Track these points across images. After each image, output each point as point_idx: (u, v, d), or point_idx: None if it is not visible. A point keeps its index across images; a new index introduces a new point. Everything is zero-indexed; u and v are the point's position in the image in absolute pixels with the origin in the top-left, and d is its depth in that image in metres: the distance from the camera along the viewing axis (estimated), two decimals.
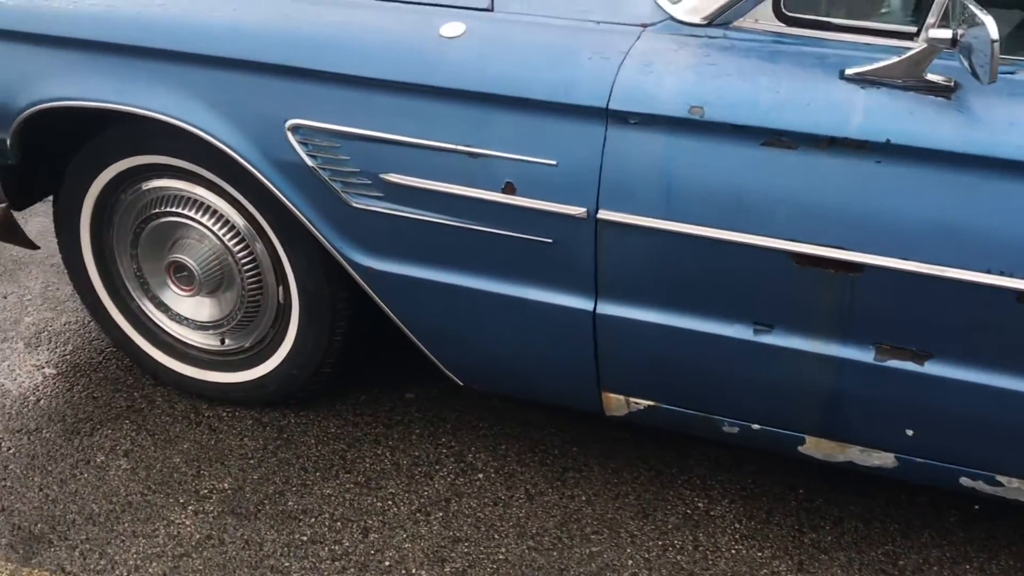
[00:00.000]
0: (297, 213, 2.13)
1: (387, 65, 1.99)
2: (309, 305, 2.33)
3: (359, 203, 2.08)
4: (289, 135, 2.06)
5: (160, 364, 2.59)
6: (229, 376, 2.53)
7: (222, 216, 2.34)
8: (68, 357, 2.74)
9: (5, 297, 3.00)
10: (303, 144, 2.06)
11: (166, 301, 2.52)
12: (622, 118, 1.85)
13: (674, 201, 1.86)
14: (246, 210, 2.29)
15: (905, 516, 2.28)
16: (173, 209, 2.37)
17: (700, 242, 1.87)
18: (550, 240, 1.97)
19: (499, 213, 1.98)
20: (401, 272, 2.13)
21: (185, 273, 2.43)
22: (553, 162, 1.91)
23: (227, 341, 2.52)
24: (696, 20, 1.91)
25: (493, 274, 2.07)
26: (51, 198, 2.51)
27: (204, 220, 2.35)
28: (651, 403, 2.14)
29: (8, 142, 2.30)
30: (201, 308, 2.49)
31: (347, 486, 2.33)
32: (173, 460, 2.40)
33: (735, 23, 1.90)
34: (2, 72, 2.26)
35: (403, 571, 2.12)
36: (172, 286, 2.47)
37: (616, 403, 2.17)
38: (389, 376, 2.69)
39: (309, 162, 2.07)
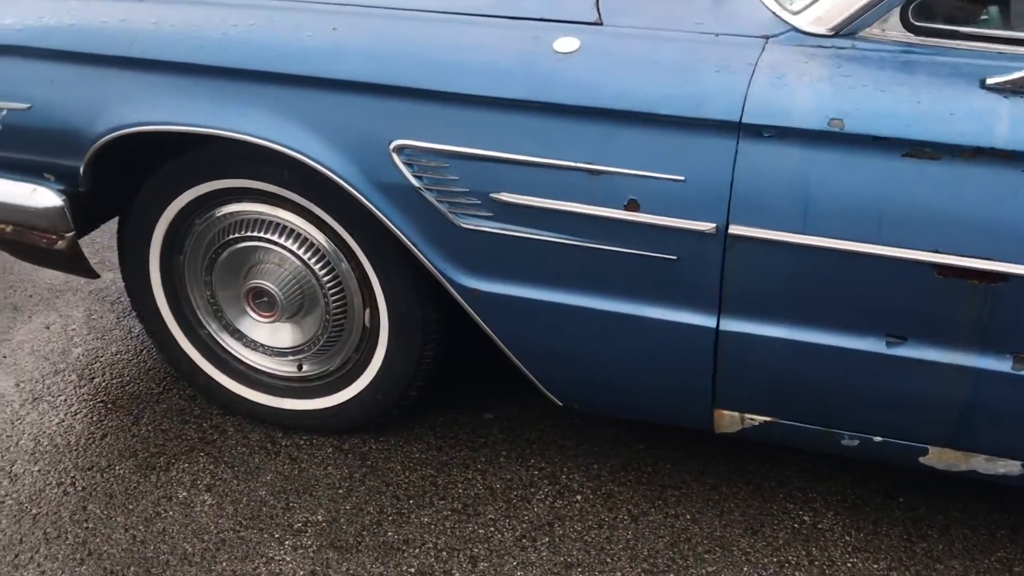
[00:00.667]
0: (399, 235, 2.06)
1: (501, 82, 1.93)
2: (400, 328, 2.26)
3: (467, 223, 2.01)
4: (394, 156, 1.99)
5: (231, 393, 2.50)
6: (307, 403, 2.45)
7: (307, 239, 2.26)
8: (127, 388, 2.64)
9: (48, 327, 2.88)
10: (409, 165, 1.99)
11: (241, 328, 2.43)
12: (755, 132, 1.81)
13: (811, 214, 1.82)
14: (334, 232, 2.22)
15: (1010, 521, 2.27)
16: (252, 233, 2.29)
17: (837, 255, 1.83)
18: (674, 257, 1.93)
19: (621, 231, 1.93)
20: (508, 293, 2.07)
21: (265, 299, 2.35)
22: (680, 178, 1.86)
23: (305, 367, 2.44)
24: (822, 31, 1.88)
25: (610, 293, 2.02)
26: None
27: (287, 244, 2.27)
28: (767, 419, 2.10)
29: (82, 169, 2.20)
30: (279, 334, 2.41)
31: (444, 513, 2.27)
32: (259, 493, 2.31)
33: (861, 33, 1.87)
34: (79, 97, 2.15)
35: None
36: (251, 312, 2.38)
37: (729, 420, 2.13)
38: (464, 397, 2.62)
39: (415, 183, 2.00)
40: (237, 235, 2.30)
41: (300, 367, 2.44)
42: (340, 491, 2.32)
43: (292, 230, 2.27)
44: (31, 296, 3.01)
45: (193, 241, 2.36)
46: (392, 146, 1.99)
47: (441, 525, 2.24)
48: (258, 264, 2.33)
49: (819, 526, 2.26)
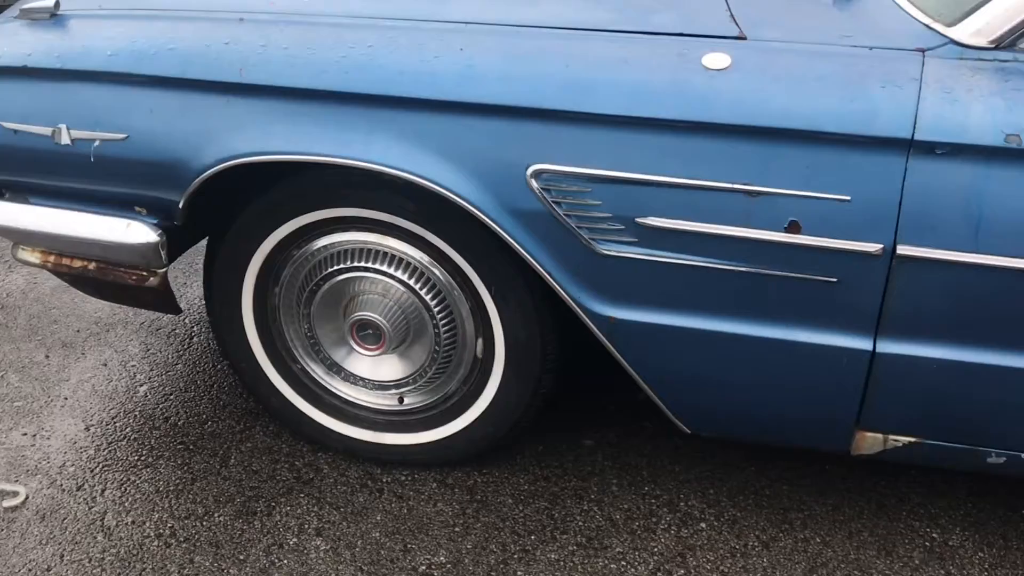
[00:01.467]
0: (533, 263, 1.96)
1: (651, 102, 1.85)
2: (517, 357, 2.17)
3: (607, 249, 1.93)
4: (531, 182, 1.90)
5: (326, 429, 2.38)
6: (409, 437, 2.35)
7: (416, 268, 2.16)
8: (206, 428, 2.50)
9: (106, 364, 2.73)
10: (547, 190, 1.90)
11: (340, 361, 2.32)
12: (927, 149, 1.76)
13: (983, 232, 1.77)
14: (448, 260, 2.12)
15: None
16: (357, 263, 2.18)
17: (1007, 273, 1.79)
18: (834, 279, 1.87)
19: (779, 254, 1.87)
20: (646, 320, 1.99)
21: (370, 331, 2.23)
22: (846, 197, 1.80)
23: (407, 400, 2.33)
24: (982, 43, 1.83)
25: (758, 318, 1.95)
26: None
27: (396, 273, 2.16)
28: (912, 439, 2.05)
29: (182, 202, 2.06)
30: (381, 367, 2.30)
31: (570, 548, 2.18)
32: (372, 535, 2.20)
33: (1021, 45, 1.83)
34: (182, 126, 2.02)
35: None
36: (355, 346, 2.27)
37: (871, 441, 2.08)
38: (555, 423, 2.53)
39: (553, 209, 1.91)
40: (340, 265, 2.19)
41: (402, 400, 2.33)
42: (456, 529, 2.22)
43: (401, 259, 2.16)
44: (79, 331, 2.85)
45: (291, 272, 2.23)
46: (529, 171, 1.90)
47: (570, 561, 2.15)
48: (360, 295, 2.22)
49: (949, 543, 2.22)
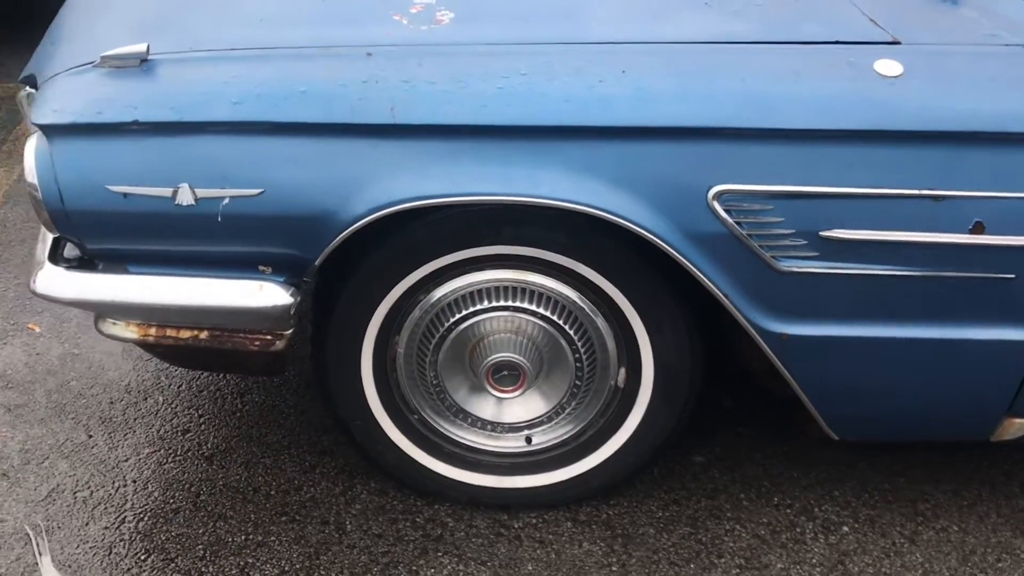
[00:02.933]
0: (711, 286, 1.91)
1: (833, 114, 1.83)
2: (666, 383, 2.11)
3: (787, 266, 1.90)
4: (713, 204, 1.84)
5: (446, 479, 2.25)
6: (539, 478, 2.24)
7: (558, 302, 2.06)
8: (305, 495, 2.31)
9: (162, 437, 2.47)
10: (729, 211, 1.85)
11: (467, 407, 2.19)
12: None
13: None
14: (594, 291, 2.03)
15: None
16: (494, 303, 2.06)
17: None
18: (1012, 275, 1.90)
19: (961, 255, 1.89)
20: (818, 333, 1.98)
21: (506, 372, 2.11)
22: None
23: (535, 439, 2.22)
24: None
25: (932, 319, 1.97)
26: None
27: (539, 309, 2.06)
28: None
29: (321, 258, 1.90)
30: (512, 408, 2.19)
31: (733, 572, 2.14)
32: None
33: None
34: (327, 175, 1.85)
35: None
36: (491, 389, 2.14)
37: (1017, 427, 2.13)
38: None
39: (735, 230, 1.86)
40: (476, 307, 2.06)
41: (529, 440, 2.23)
42: (614, 568, 2.15)
43: (541, 294, 2.05)
44: (112, 403, 2.57)
45: (417, 318, 2.09)
46: (711, 193, 1.84)
47: None
48: (490, 336, 2.09)
49: None
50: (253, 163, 1.85)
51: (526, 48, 1.92)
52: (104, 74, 1.89)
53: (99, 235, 1.91)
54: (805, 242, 1.88)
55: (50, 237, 2.03)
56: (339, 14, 2.06)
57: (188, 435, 2.46)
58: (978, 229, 1.86)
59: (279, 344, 2.00)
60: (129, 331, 2.01)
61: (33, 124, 1.87)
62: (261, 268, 1.94)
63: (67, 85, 1.90)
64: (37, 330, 2.75)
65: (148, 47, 1.88)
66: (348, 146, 1.85)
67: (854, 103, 1.83)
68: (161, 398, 2.58)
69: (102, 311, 2.01)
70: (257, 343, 1.99)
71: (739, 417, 2.53)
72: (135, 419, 2.51)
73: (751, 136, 1.83)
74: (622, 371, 2.13)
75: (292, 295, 1.94)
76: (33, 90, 2.04)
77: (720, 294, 1.92)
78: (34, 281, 1.97)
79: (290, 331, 1.99)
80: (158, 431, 2.47)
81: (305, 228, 1.88)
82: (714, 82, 1.86)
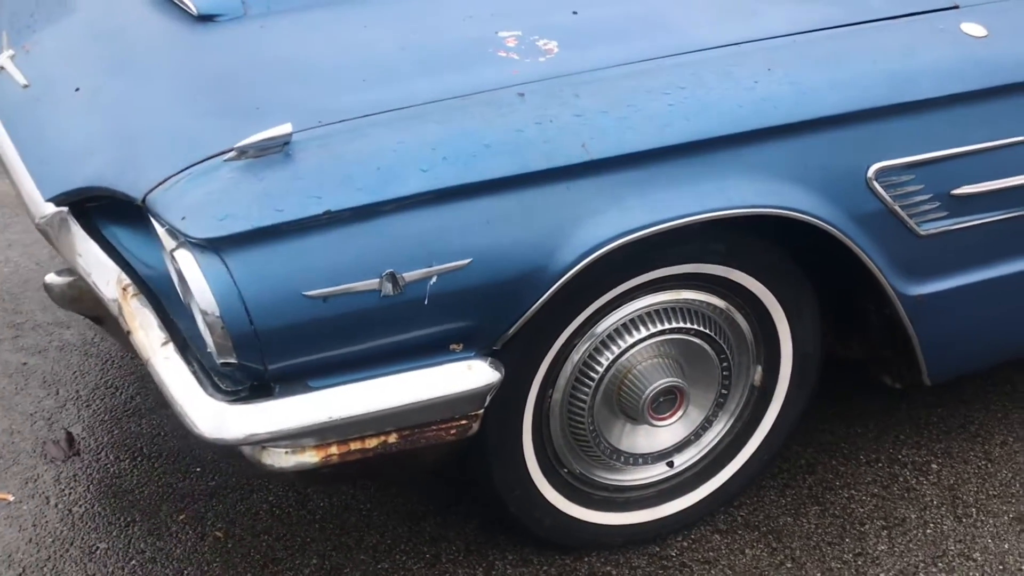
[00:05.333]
0: (870, 263, 1.96)
1: (956, 79, 1.95)
2: (802, 371, 2.15)
3: (926, 230, 2.00)
4: (872, 182, 1.91)
5: (602, 527, 2.14)
6: (686, 499, 2.20)
7: (704, 315, 2.03)
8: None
9: (276, 560, 2.14)
10: (885, 187, 1.93)
11: (620, 446, 2.09)
12: None
13: None
14: (741, 295, 2.03)
15: None
16: (651, 330, 1.99)
17: None
18: None
19: None
20: (945, 287, 2.08)
21: (662, 400, 2.05)
22: None
23: (677, 461, 2.17)
24: None
25: None
26: None
27: (692, 326, 2.02)
28: None
29: (527, 316, 1.75)
30: (659, 436, 2.12)
31: (883, 534, 2.23)
32: None
33: None
34: (529, 230, 1.70)
35: None
36: (652, 420, 2.05)
37: None
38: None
39: (889, 204, 1.94)
40: (631, 339, 1.98)
41: (671, 464, 2.17)
42: (788, 566, 2.16)
43: (689, 310, 2.01)
44: (182, 516, 2.18)
45: (572, 367, 1.97)
46: (870, 172, 1.90)
47: (913, 560, 2.20)
48: (638, 367, 2.01)
49: None
50: (455, 232, 1.66)
51: (658, 63, 1.87)
52: (246, 166, 1.61)
53: (289, 351, 1.62)
54: (939, 203, 1.98)
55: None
56: (434, 60, 1.89)
57: (282, 564, 2.14)
58: None
59: (474, 427, 1.81)
60: (308, 456, 1.72)
61: (189, 239, 1.56)
62: (452, 347, 1.75)
63: (208, 186, 1.60)
64: (11, 498, 2.28)
65: (291, 128, 1.62)
66: (544, 194, 1.71)
67: (965, 66, 1.96)
68: (231, 496, 2.25)
69: (284, 440, 1.71)
70: (453, 431, 1.79)
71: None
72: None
73: (894, 112, 1.90)
74: (759, 369, 2.13)
75: (497, 368, 1.76)
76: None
77: (875, 268, 1.97)
78: (198, 425, 1.63)
79: (481, 411, 1.80)
80: (279, 553, 2.15)
81: (512, 291, 1.71)
82: (853, 67, 1.92)
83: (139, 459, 2.38)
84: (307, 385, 1.68)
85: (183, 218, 1.57)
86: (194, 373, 1.69)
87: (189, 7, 2.04)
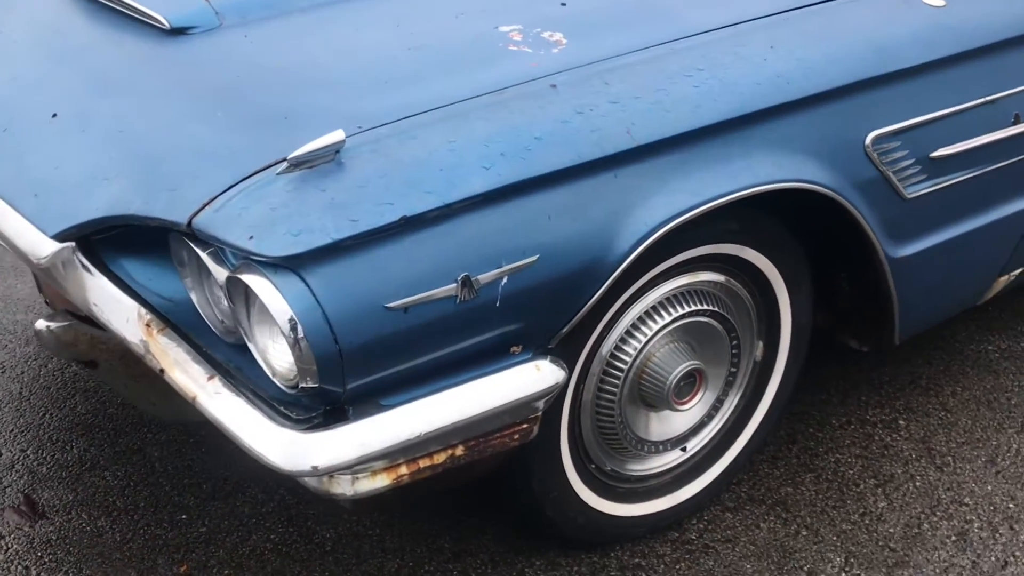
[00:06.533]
0: (868, 230, 2.03)
1: (932, 46, 2.05)
2: (798, 341, 2.21)
3: (911, 192, 2.09)
4: (869, 150, 1.98)
5: (629, 519, 2.14)
6: (700, 481, 2.22)
7: (714, 295, 2.06)
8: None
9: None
10: (880, 154, 2.01)
11: (643, 435, 2.08)
12: None
13: None
14: (748, 271, 2.07)
15: None
16: (673, 315, 1.99)
17: None
18: None
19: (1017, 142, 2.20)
20: (924, 246, 2.17)
21: (682, 385, 2.05)
22: None
23: (689, 444, 2.19)
24: None
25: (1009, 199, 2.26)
26: None
27: (707, 307, 2.04)
28: None
29: (584, 310, 1.73)
30: (676, 421, 2.12)
31: (905, 487, 2.32)
32: None
33: None
34: (583, 221, 1.67)
35: None
36: (675, 405, 2.06)
37: (1001, 284, 2.53)
38: None
39: (882, 170, 2.02)
40: (656, 326, 1.98)
41: (684, 448, 2.18)
42: (804, 534, 2.21)
43: (702, 292, 2.04)
44: (217, 558, 2.02)
45: (602, 358, 1.95)
46: (868, 140, 1.98)
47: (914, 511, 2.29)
48: (657, 354, 2.02)
49: None
50: (520, 229, 1.61)
51: (669, 48, 1.88)
52: (302, 177, 1.52)
53: (367, 369, 1.53)
54: (921, 167, 2.07)
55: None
56: (449, 59, 1.84)
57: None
58: (1017, 120, 2.18)
59: (535, 431, 1.76)
60: (379, 480, 1.63)
61: (260, 259, 1.45)
62: (512, 350, 1.70)
63: (268, 201, 1.50)
64: None
65: (344, 135, 1.53)
66: (595, 183, 1.69)
67: (934, 34, 2.06)
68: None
69: (365, 464, 1.61)
70: (516, 436, 1.74)
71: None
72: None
73: (882, 82, 1.98)
74: (760, 345, 2.17)
75: (561, 366, 1.73)
76: None
77: (872, 236, 2.05)
78: (273, 458, 1.52)
79: (540, 412, 1.76)
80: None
81: (575, 284, 1.68)
82: (844, 40, 1.98)
83: (115, 514, 2.20)
84: (379, 404, 1.59)
85: (251, 237, 1.46)
86: (252, 404, 1.58)
87: (160, 21, 1.91)
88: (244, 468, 2.16)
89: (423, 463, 1.67)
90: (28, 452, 2.36)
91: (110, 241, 1.72)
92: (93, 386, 2.55)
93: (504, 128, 1.65)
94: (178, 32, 1.92)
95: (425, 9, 2.01)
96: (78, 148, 1.73)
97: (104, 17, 2.01)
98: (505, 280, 1.59)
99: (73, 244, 1.66)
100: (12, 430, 2.42)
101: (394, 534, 2.17)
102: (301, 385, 1.50)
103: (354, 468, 1.59)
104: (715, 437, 2.20)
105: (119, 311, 1.66)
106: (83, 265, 1.67)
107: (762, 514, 2.24)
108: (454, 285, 1.54)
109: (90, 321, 1.82)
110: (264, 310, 1.49)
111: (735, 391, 2.18)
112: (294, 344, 1.45)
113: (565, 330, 1.73)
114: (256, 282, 1.46)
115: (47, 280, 1.78)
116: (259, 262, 1.47)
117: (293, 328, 1.44)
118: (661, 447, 2.12)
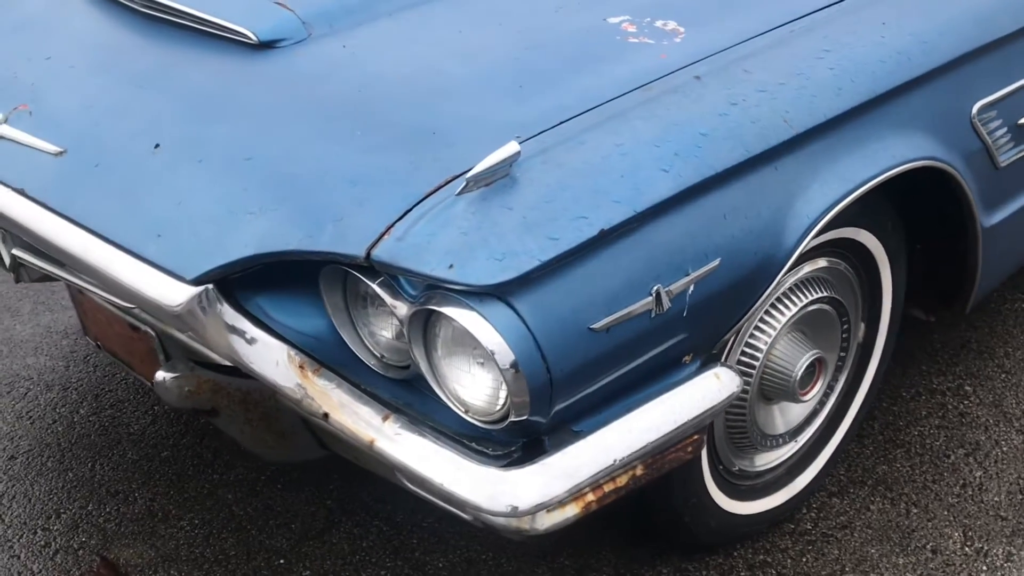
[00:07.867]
0: (973, 201, 2.02)
1: (1013, 15, 2.03)
2: (894, 320, 2.18)
3: (1004, 160, 2.08)
4: (975, 121, 1.97)
5: (754, 517, 2.09)
6: (814, 468, 2.18)
7: (828, 280, 2.01)
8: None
9: None
10: (983, 123, 1.99)
11: (766, 430, 2.03)
12: None
13: None
14: (856, 251, 2.03)
15: None
16: (800, 305, 1.94)
17: None
18: None
19: None
20: (1010, 212, 2.18)
21: (804, 373, 2.00)
22: None
23: (800, 434, 2.14)
24: None
25: None
26: None
27: (827, 294, 1.99)
28: None
29: (755, 307, 1.66)
30: (793, 411, 2.07)
31: (988, 460, 2.32)
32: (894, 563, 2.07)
33: None
34: (752, 218, 1.59)
35: None
36: (801, 396, 2.00)
37: None
38: None
39: (986, 140, 2.01)
40: (783, 321, 1.93)
41: (796, 439, 2.13)
42: (914, 511, 2.19)
43: (818, 279, 1.99)
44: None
45: (736, 355, 1.89)
46: (974, 111, 1.96)
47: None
48: (779, 343, 1.97)
49: None
50: (701, 233, 1.53)
51: (788, 30, 1.82)
52: (482, 196, 1.41)
53: (567, 396, 1.44)
54: (1011, 135, 2.06)
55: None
56: (574, 56, 1.75)
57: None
58: None
59: (704, 439, 1.69)
60: (569, 510, 1.53)
61: (464, 288, 1.34)
62: (684, 360, 1.62)
63: (457, 225, 1.38)
64: None
65: (519, 146, 1.43)
66: (759, 177, 1.62)
67: (1021, 2, 2.05)
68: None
69: (553, 501, 1.49)
70: (690, 449, 1.66)
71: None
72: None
73: (983, 52, 1.96)
74: (862, 326, 2.13)
75: (737, 372, 1.65)
76: None
77: (975, 207, 2.03)
78: (478, 500, 1.41)
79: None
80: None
81: (748, 285, 1.61)
82: (947, 12, 1.95)
83: (207, 566, 2.06)
84: (571, 431, 1.50)
85: (450, 266, 1.34)
86: (439, 443, 1.46)
87: (248, 36, 1.75)
88: (332, 501, 2.07)
89: (607, 487, 1.57)
90: (89, 508, 2.17)
91: (242, 280, 1.56)
92: (138, 430, 2.37)
93: (667, 126, 1.56)
94: (266, 46, 1.76)
95: (516, 5, 1.90)
96: (200, 181, 1.57)
97: (169, 34, 1.84)
98: (692, 288, 1.51)
99: (211, 286, 1.50)
100: (63, 486, 2.23)
101: (507, 556, 2.07)
102: (511, 419, 1.39)
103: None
104: (823, 423, 2.16)
105: (266, 354, 1.52)
106: (225, 307, 1.52)
107: (867, 495, 2.21)
108: (650, 299, 1.45)
109: (208, 365, 1.67)
110: (459, 342, 1.37)
111: (843, 375, 2.14)
112: (512, 377, 1.34)
113: (728, 333, 1.65)
114: (461, 314, 1.34)
115: (176, 327, 1.61)
116: (456, 291, 1.35)
117: (508, 361, 1.33)
118: (780, 440, 2.07)
